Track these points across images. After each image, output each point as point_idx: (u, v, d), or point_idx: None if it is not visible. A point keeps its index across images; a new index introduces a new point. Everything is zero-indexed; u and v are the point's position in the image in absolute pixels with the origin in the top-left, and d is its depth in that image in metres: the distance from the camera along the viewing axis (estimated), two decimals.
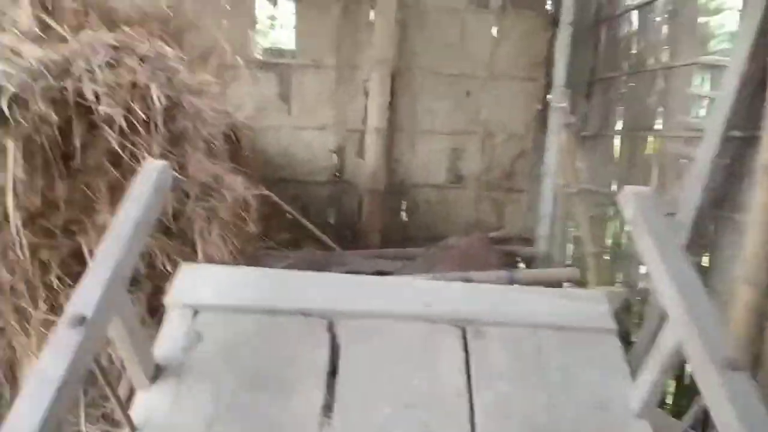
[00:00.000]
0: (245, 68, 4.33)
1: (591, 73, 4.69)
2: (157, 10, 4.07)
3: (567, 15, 4.60)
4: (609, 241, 4.36)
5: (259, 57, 4.49)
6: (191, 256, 2.36)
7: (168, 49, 2.42)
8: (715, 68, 3.35)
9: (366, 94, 4.59)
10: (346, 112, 4.62)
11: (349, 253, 4.26)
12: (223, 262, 2.33)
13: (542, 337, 1.74)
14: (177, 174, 2.02)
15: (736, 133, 2.96)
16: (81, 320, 1.16)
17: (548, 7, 4.76)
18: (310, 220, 4.62)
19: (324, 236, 4.39)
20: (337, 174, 4.72)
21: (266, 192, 4.15)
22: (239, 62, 4.26)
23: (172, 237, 2.33)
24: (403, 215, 4.89)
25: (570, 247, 4.76)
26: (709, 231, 3.23)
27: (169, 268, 2.29)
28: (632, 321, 3.78)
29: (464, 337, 1.74)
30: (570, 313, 1.88)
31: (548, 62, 4.80)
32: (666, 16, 3.77)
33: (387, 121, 4.59)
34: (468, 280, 3.60)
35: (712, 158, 3.02)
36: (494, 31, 4.73)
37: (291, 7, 4.48)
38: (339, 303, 1.78)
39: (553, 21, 4.73)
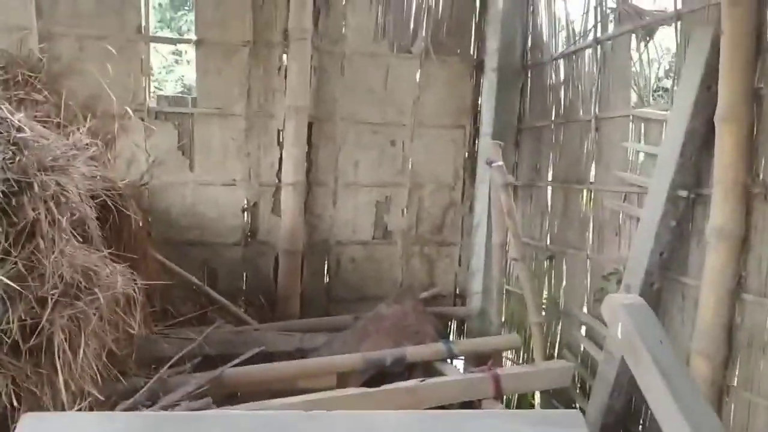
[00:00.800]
0: (137, 119, 3.79)
1: (519, 120, 4.51)
2: (26, 54, 3.47)
3: (492, 61, 4.42)
4: (544, 299, 4.12)
5: (154, 106, 3.93)
6: (52, 383, 1.78)
7: (19, 114, 1.86)
8: (648, 121, 3.20)
9: (280, 144, 4.14)
10: (258, 165, 4.14)
11: (266, 327, 3.73)
12: (94, 389, 1.78)
13: None
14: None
15: (683, 193, 2.76)
16: None
17: (473, 52, 4.55)
18: (219, 287, 4.06)
19: (236, 308, 3.84)
20: (250, 234, 4.20)
21: (163, 260, 3.60)
22: (129, 112, 3.71)
23: (23, 359, 1.75)
24: (327, 276, 4.42)
25: (505, 304, 4.48)
26: (657, 294, 3.01)
27: (16, 403, 1.70)
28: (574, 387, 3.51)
29: None
30: None
31: (475, 109, 4.59)
32: (596, 66, 3.62)
33: (305, 174, 4.15)
34: (401, 359, 3.20)
35: (659, 219, 2.81)
36: (418, 77, 4.46)
37: (192, 52, 3.99)
38: None
39: (479, 67, 4.53)
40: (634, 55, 3.36)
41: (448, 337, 4.41)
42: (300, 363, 3.15)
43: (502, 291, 4.23)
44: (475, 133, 4.58)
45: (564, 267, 3.98)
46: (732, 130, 2.53)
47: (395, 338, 3.40)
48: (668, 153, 2.81)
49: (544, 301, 4.10)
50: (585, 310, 3.68)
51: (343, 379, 3.16)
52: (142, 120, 3.82)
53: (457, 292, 4.74)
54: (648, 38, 3.23)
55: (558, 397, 3.66)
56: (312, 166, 4.26)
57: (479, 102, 4.57)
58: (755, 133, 2.53)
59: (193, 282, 3.80)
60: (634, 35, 3.32)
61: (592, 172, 3.72)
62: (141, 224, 2.86)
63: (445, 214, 4.64)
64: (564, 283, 3.98)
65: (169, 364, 2.84)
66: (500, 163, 3.48)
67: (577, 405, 3.41)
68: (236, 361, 3.02)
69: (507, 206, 3.33)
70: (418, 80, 4.45)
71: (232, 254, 4.18)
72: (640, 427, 3.13)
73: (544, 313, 3.82)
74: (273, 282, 4.23)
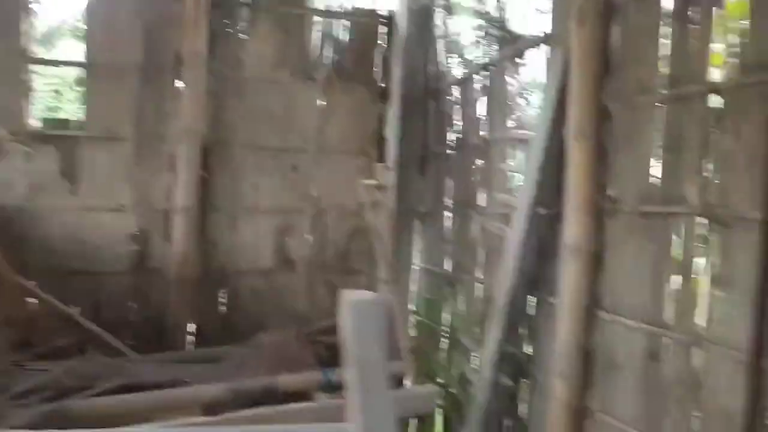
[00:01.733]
0: (14, 141, 3.66)
1: (424, 147, 4.50)
2: None
3: (396, 88, 4.44)
4: (444, 327, 4.03)
5: (35, 128, 3.81)
6: None
7: None
8: (525, 143, 3.21)
9: (172, 169, 4.03)
10: (148, 190, 4.01)
11: (145, 358, 3.54)
12: None
13: None
14: None
15: (542, 211, 2.74)
16: None
17: (377, 80, 4.56)
18: (104, 318, 3.86)
19: (112, 339, 3.64)
20: (140, 262, 4.03)
21: (33, 289, 3.42)
22: (5, 135, 3.58)
23: None
24: (223, 307, 4.26)
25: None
26: (527, 315, 2.95)
27: None
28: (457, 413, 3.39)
29: None
30: None
31: (380, 136, 4.57)
32: (481, 92, 3.65)
33: (198, 199, 4.04)
34: (273, 389, 3.05)
35: (521, 238, 2.77)
36: (321, 103, 4.44)
37: (78, 74, 3.90)
38: None
39: (383, 94, 4.54)
40: (512, 80, 3.40)
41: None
42: (158, 394, 2.97)
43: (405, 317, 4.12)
44: (380, 160, 4.54)
45: (460, 293, 3.91)
46: (582, 147, 2.53)
47: (273, 367, 3.25)
48: (530, 172, 2.80)
49: (446, 328, 4.01)
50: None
51: (212, 412, 2.98)
52: (22, 143, 3.69)
53: None
54: (520, 61, 3.27)
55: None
56: (209, 191, 4.15)
57: (384, 129, 4.56)
58: (605, 150, 2.53)
59: (67, 312, 3.60)
60: (509, 60, 3.36)
61: (484, 196, 3.70)
62: None
63: (350, 240, 4.55)
64: (462, 309, 3.90)
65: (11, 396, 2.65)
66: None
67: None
68: (89, 393, 2.83)
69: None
70: (321, 107, 4.43)
71: (120, 283, 4.00)
72: None
73: (448, 342, 3.73)
74: (166, 312, 4.05)
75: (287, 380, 3.07)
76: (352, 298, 1.18)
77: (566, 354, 2.52)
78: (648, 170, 2.34)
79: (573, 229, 2.52)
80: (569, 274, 2.53)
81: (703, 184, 2.10)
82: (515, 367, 2.92)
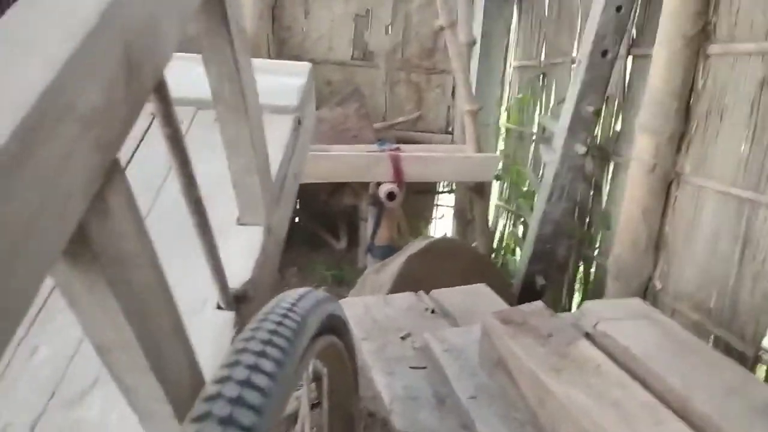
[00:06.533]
0: None
1: None
2: None
3: None
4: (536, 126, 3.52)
5: None
6: None
7: None
8: None
9: None
10: None
11: None
12: None
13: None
14: None
15: None
16: None
17: None
18: None
19: None
20: None
21: None
22: None
23: None
24: None
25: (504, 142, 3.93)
26: (610, 66, 2.37)
27: None
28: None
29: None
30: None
31: None
32: None
33: None
34: None
35: None
36: None
37: None
38: None
39: None
40: None
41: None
42: None
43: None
44: None
45: (554, 82, 3.34)
46: None
47: (333, 141, 3.04)
48: None
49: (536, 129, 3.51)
50: None
51: None
52: None
53: (449, 129, 4.21)
54: None
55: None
56: None
57: None
58: None
59: None
60: None
61: None
62: None
63: (436, 35, 4.05)
64: (552, 101, 3.36)
65: None
66: None
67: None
68: None
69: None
70: None
71: None
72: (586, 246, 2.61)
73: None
74: None
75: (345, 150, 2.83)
76: None
77: (658, 104, 1.97)
78: None
79: None
80: None
81: None
82: (595, 137, 2.42)
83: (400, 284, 1.93)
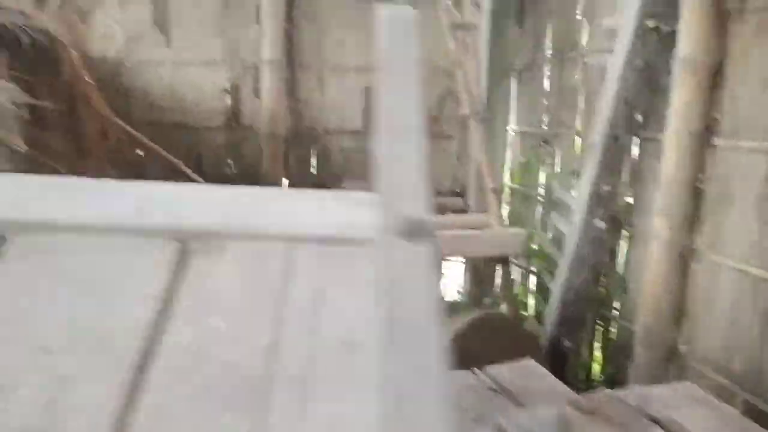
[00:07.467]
0: None
1: None
2: None
3: None
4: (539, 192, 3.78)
5: None
6: None
7: None
8: None
9: (260, 21, 3.97)
10: (237, 44, 4.01)
11: None
12: None
13: (295, 254, 1.17)
14: None
15: (651, 23, 2.34)
16: None
17: None
18: (205, 172, 4.03)
19: None
20: (233, 118, 4.12)
21: (139, 137, 3.60)
22: None
23: None
24: (313, 166, 4.29)
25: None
26: (628, 157, 2.64)
27: None
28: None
29: (183, 254, 1.15)
30: (334, 221, 1.24)
31: None
32: None
33: (284, 53, 3.97)
34: None
35: (625, 56, 2.41)
36: None
37: None
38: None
39: None
40: None
41: None
42: None
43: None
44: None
45: (557, 149, 3.61)
46: None
47: None
48: None
49: (541, 194, 3.77)
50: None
51: None
52: None
53: (455, 190, 4.46)
54: None
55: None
56: (294, 46, 4.07)
57: None
58: None
59: (174, 163, 3.77)
60: None
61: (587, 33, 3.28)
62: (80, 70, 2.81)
63: (441, 103, 4.33)
64: (558, 167, 3.62)
65: None
66: None
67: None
68: None
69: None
70: None
71: (216, 139, 4.13)
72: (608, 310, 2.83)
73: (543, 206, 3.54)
74: (257, 169, 4.16)
75: None
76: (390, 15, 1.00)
77: (671, 190, 2.22)
78: None
79: (688, 38, 2.14)
80: (681, 95, 2.18)
81: None
82: (611, 210, 2.66)
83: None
